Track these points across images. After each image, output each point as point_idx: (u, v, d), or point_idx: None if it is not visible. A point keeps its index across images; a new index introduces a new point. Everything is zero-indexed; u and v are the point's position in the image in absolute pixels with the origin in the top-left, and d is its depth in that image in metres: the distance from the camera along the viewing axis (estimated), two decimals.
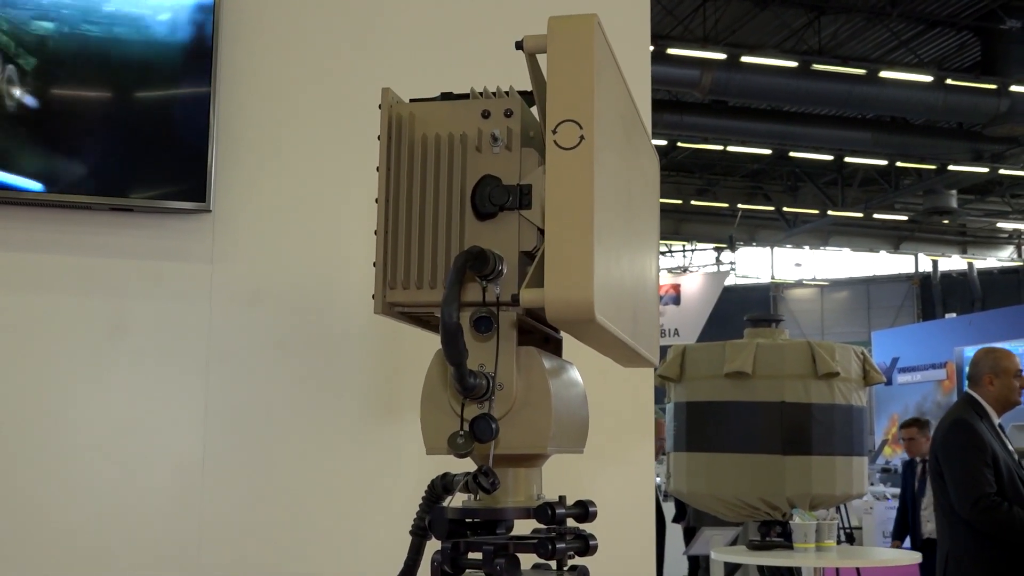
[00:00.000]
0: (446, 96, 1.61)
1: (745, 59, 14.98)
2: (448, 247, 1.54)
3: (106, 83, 2.81)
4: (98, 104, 2.80)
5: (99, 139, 2.79)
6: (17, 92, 2.74)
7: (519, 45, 1.47)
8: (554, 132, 1.39)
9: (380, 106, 1.60)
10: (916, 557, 4.78)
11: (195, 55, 2.88)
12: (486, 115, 1.55)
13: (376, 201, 1.58)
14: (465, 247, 1.51)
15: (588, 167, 1.37)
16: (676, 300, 17.53)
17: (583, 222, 1.36)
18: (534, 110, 1.60)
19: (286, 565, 2.93)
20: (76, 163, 2.77)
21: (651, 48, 3.55)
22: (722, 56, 14.85)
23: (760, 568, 4.90)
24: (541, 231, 1.50)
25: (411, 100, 1.62)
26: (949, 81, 15.66)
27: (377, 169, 1.59)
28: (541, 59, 1.47)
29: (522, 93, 1.58)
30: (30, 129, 2.74)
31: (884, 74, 15.51)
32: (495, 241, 1.51)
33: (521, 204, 1.52)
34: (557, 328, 1.72)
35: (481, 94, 1.59)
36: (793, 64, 15.25)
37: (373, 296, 1.58)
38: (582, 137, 1.38)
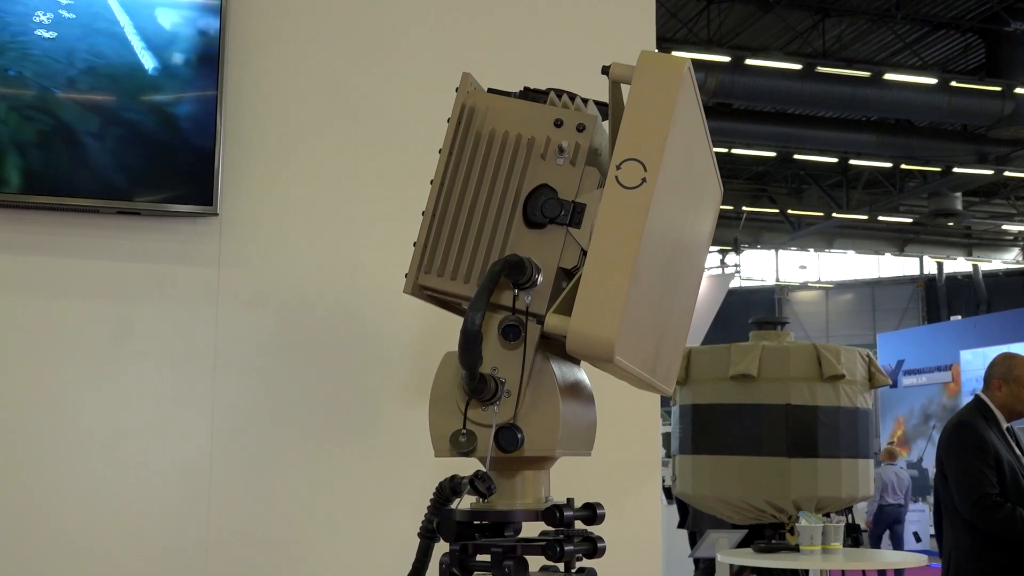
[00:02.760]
0: (526, 90, 1.61)
1: (750, 62, 14.98)
2: (491, 246, 1.54)
3: (113, 87, 2.81)
4: (105, 108, 2.81)
5: (106, 143, 2.80)
6: (25, 96, 2.74)
7: (605, 70, 1.45)
8: (618, 168, 1.38)
9: (456, 89, 1.59)
10: (922, 560, 4.78)
11: (202, 58, 2.88)
12: (558, 124, 1.55)
13: (431, 182, 1.57)
14: (508, 250, 1.51)
15: (643, 211, 1.36)
16: None
17: (624, 264, 1.35)
18: (606, 125, 1.59)
19: (293, 567, 2.94)
20: (83, 167, 2.78)
21: (656, 51, 3.55)
22: (726, 59, 14.85)
23: (766, 571, 4.90)
24: (585, 252, 1.48)
25: (489, 90, 1.61)
26: (954, 83, 15.66)
27: (439, 151, 1.58)
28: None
29: (599, 104, 1.57)
30: (38, 133, 2.75)
31: (889, 76, 15.51)
32: (537, 251, 1.51)
33: (572, 221, 1.51)
34: None
35: (560, 96, 1.58)
36: (798, 66, 15.24)
37: (406, 275, 1.58)
38: (644, 179, 1.37)
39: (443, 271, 1.56)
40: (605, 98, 1.58)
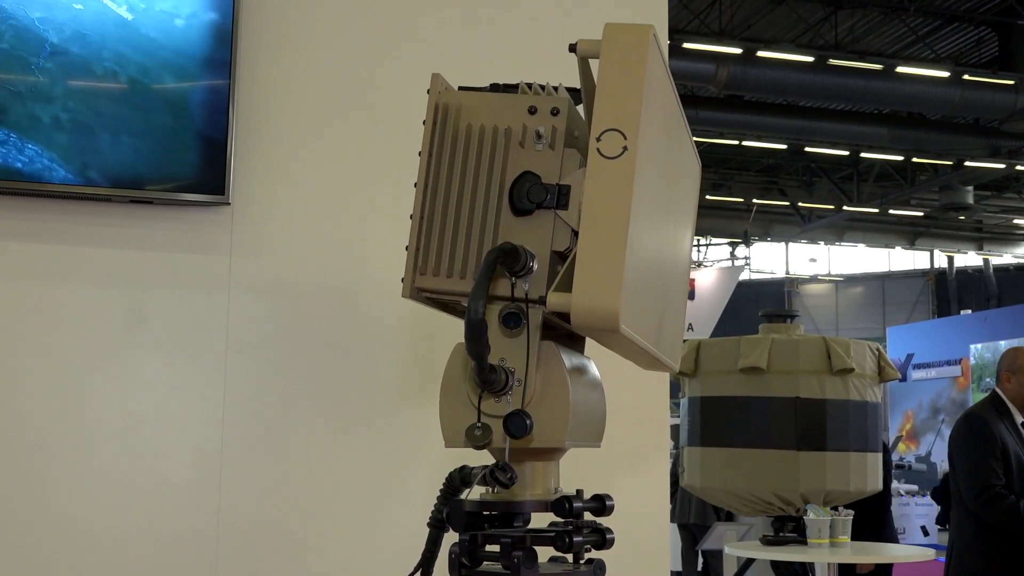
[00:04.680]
0: (495, 87, 1.61)
1: (761, 54, 14.95)
2: (482, 239, 1.54)
3: (126, 76, 2.82)
4: (118, 97, 2.81)
5: (119, 132, 2.81)
6: (38, 85, 2.75)
7: (572, 48, 1.46)
8: (598, 140, 1.39)
9: (428, 91, 1.60)
10: (930, 554, 4.78)
11: (215, 47, 2.89)
12: (532, 111, 1.55)
13: (415, 185, 1.58)
14: (499, 240, 1.51)
15: (628, 178, 1.37)
16: (690, 295, 17.47)
17: (617, 233, 1.36)
18: (580, 108, 1.60)
19: (303, 555, 2.95)
20: (96, 156, 2.79)
21: (667, 42, 3.55)
22: (738, 50, 14.83)
23: (774, 563, 4.90)
24: (575, 232, 1.49)
25: (460, 88, 1.62)
26: (966, 76, 15.60)
27: (419, 153, 1.59)
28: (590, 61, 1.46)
29: (570, 90, 1.58)
30: (50, 122, 2.76)
31: (901, 69, 15.46)
32: (529, 238, 1.52)
33: (558, 204, 1.52)
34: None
35: (529, 87, 1.59)
36: (809, 59, 15.21)
37: (402, 279, 1.59)
38: (625, 148, 1.38)
39: (438, 270, 1.57)
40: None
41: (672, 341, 1.81)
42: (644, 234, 1.45)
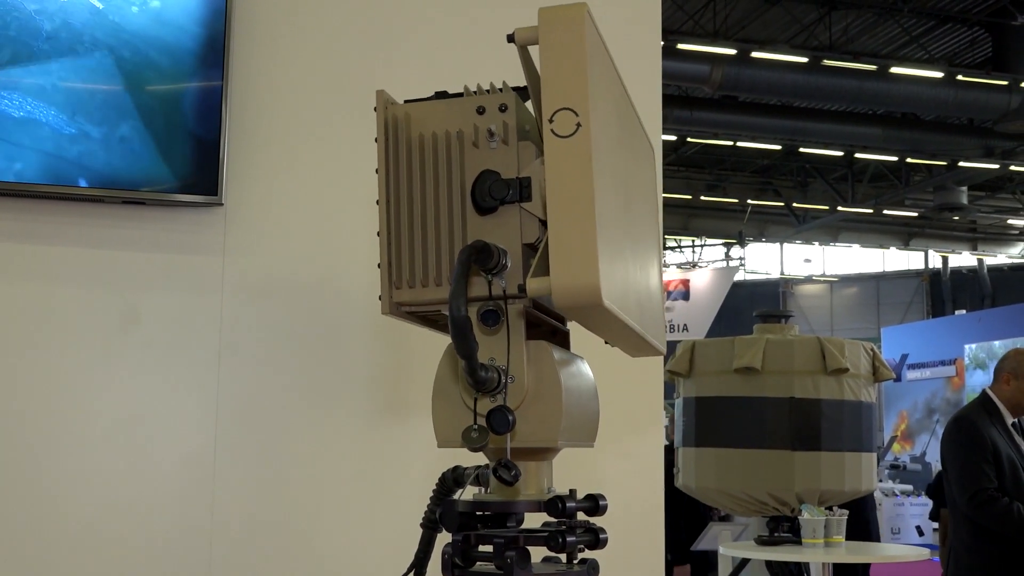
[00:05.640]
0: (440, 95, 1.62)
1: (755, 54, 14.95)
2: (451, 244, 1.55)
3: (119, 76, 2.81)
4: (111, 97, 2.81)
5: (111, 132, 2.80)
6: (30, 86, 2.75)
7: (510, 38, 1.47)
8: (551, 121, 1.39)
9: (375, 109, 1.60)
10: (925, 553, 4.78)
11: (208, 49, 2.88)
12: (481, 111, 1.56)
13: (377, 203, 1.59)
14: (468, 243, 1.51)
15: (586, 153, 1.37)
16: (685, 295, 17.50)
17: (585, 208, 1.36)
18: (529, 105, 1.60)
19: (296, 555, 2.94)
20: (88, 157, 2.78)
21: (661, 43, 3.54)
22: (732, 51, 14.83)
23: (768, 564, 4.90)
24: (543, 222, 1.50)
25: (405, 101, 1.63)
26: (960, 77, 15.63)
27: (376, 171, 1.60)
28: (533, 51, 1.47)
29: (516, 89, 1.59)
30: (43, 122, 2.75)
31: (895, 70, 15.48)
32: (497, 235, 1.52)
33: (521, 197, 1.52)
34: (564, 320, 1.73)
35: (475, 92, 1.59)
36: (803, 59, 15.22)
37: (380, 297, 1.59)
38: (578, 124, 1.38)
39: (413, 282, 1.57)
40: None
41: (654, 322, 1.82)
42: (610, 211, 1.46)
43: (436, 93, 1.62)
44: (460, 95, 1.60)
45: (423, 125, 1.59)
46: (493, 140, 1.54)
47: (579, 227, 1.36)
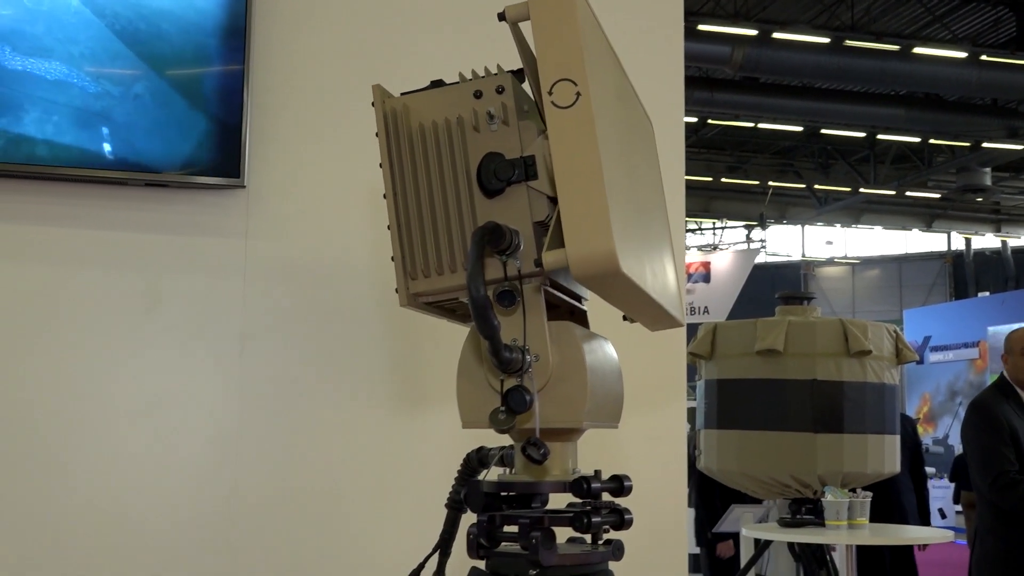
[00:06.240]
0: (436, 84, 1.62)
1: (777, 35, 14.86)
2: (462, 229, 1.55)
3: (141, 59, 2.82)
4: (133, 81, 2.81)
5: (134, 116, 2.80)
6: (53, 69, 2.75)
7: (501, 16, 1.47)
8: (550, 93, 1.39)
9: (373, 104, 1.60)
10: (948, 536, 4.77)
11: (229, 31, 2.88)
12: (478, 95, 1.55)
13: (384, 197, 1.59)
14: (478, 226, 1.51)
15: (589, 121, 1.37)
16: (706, 278, 17.43)
17: (594, 176, 1.36)
18: (525, 87, 1.60)
19: (318, 537, 2.95)
20: (111, 140, 2.79)
21: (683, 24, 3.52)
22: (753, 32, 14.74)
23: (790, 546, 4.90)
24: (551, 199, 1.50)
25: (402, 93, 1.62)
26: (984, 57, 15.48)
27: (380, 166, 1.60)
28: (525, 29, 1.47)
29: (510, 72, 1.58)
30: (66, 105, 2.76)
31: (918, 50, 15.35)
32: (507, 216, 1.52)
33: (527, 175, 1.52)
34: (579, 298, 1.72)
35: (471, 78, 1.59)
36: (825, 40, 15.11)
37: (396, 290, 1.59)
38: (578, 93, 1.38)
39: (428, 271, 1.57)
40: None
41: (671, 293, 1.81)
42: (617, 181, 1.45)
43: (432, 82, 1.62)
44: (456, 83, 1.60)
45: (422, 115, 1.59)
46: (493, 122, 1.54)
47: (589, 195, 1.36)
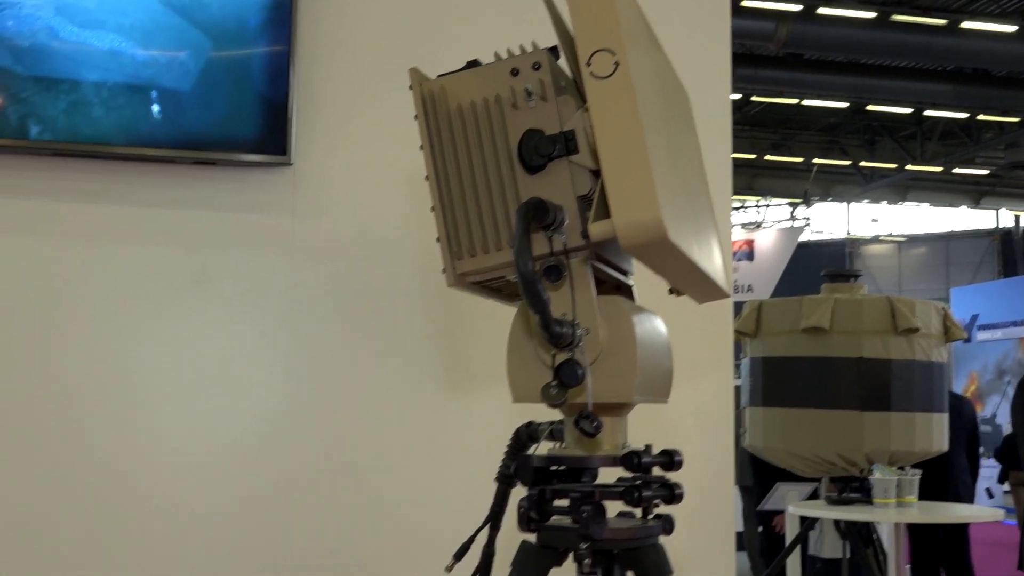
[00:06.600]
0: (471, 64, 1.61)
1: (822, 10, 14.68)
2: (506, 207, 1.55)
3: (188, 40, 2.83)
4: (181, 62, 2.83)
5: (182, 95, 2.83)
6: (103, 50, 2.78)
7: None
8: (588, 64, 1.39)
9: (411, 87, 1.60)
10: (998, 514, 4.72)
11: (275, 10, 2.90)
12: (515, 73, 1.55)
13: (426, 179, 1.59)
14: (522, 202, 1.51)
15: (629, 89, 1.37)
16: (750, 256, 17.34)
17: (637, 144, 1.36)
18: (561, 63, 1.59)
19: (369, 514, 2.97)
20: (160, 118, 2.81)
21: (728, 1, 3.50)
22: (798, 8, 14.58)
23: (836, 523, 4.87)
24: (593, 173, 1.50)
25: (438, 76, 1.62)
26: None
27: (420, 148, 1.60)
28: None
29: (546, 49, 1.57)
30: (116, 85, 2.78)
31: (966, 25, 15.12)
32: (550, 191, 1.52)
33: (568, 150, 1.52)
34: (625, 272, 1.72)
35: (507, 57, 1.59)
36: (871, 15, 14.91)
37: (443, 271, 1.59)
38: (617, 63, 1.38)
39: (474, 250, 1.57)
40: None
41: (717, 263, 1.81)
42: (659, 150, 1.45)
43: (468, 63, 1.62)
44: (492, 63, 1.60)
45: (459, 96, 1.59)
46: (532, 99, 1.54)
47: (633, 163, 1.36)
